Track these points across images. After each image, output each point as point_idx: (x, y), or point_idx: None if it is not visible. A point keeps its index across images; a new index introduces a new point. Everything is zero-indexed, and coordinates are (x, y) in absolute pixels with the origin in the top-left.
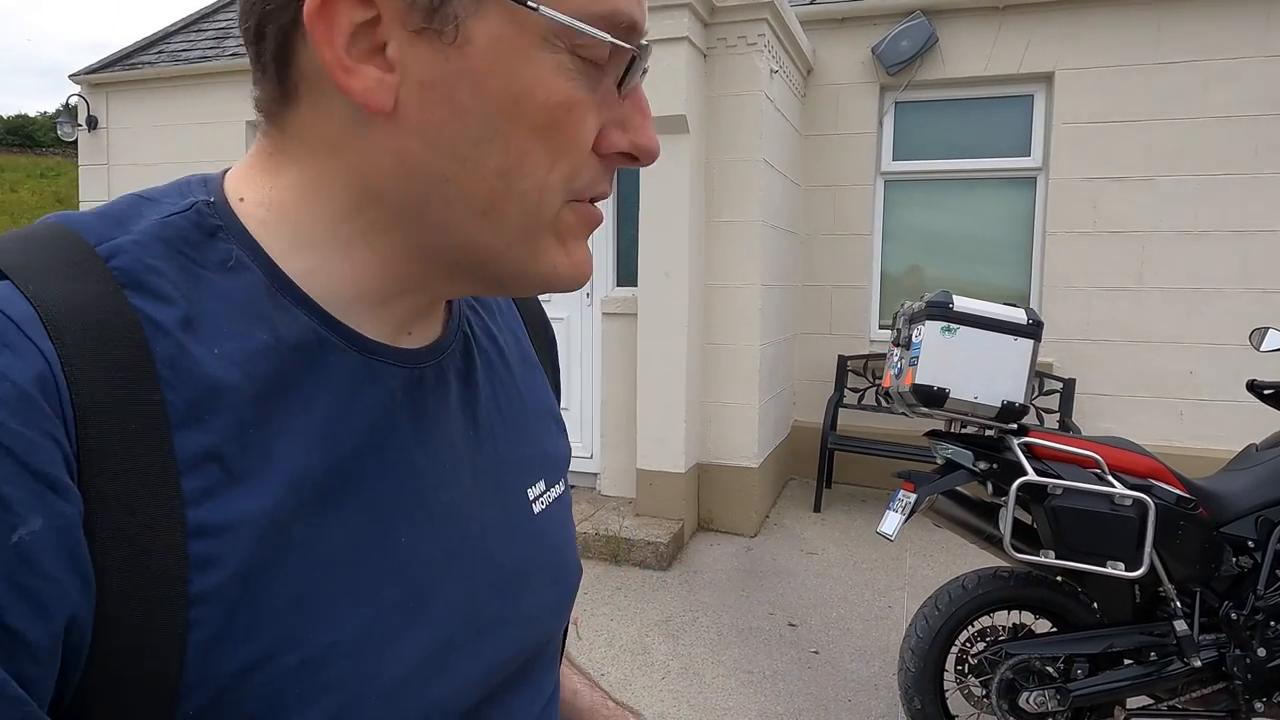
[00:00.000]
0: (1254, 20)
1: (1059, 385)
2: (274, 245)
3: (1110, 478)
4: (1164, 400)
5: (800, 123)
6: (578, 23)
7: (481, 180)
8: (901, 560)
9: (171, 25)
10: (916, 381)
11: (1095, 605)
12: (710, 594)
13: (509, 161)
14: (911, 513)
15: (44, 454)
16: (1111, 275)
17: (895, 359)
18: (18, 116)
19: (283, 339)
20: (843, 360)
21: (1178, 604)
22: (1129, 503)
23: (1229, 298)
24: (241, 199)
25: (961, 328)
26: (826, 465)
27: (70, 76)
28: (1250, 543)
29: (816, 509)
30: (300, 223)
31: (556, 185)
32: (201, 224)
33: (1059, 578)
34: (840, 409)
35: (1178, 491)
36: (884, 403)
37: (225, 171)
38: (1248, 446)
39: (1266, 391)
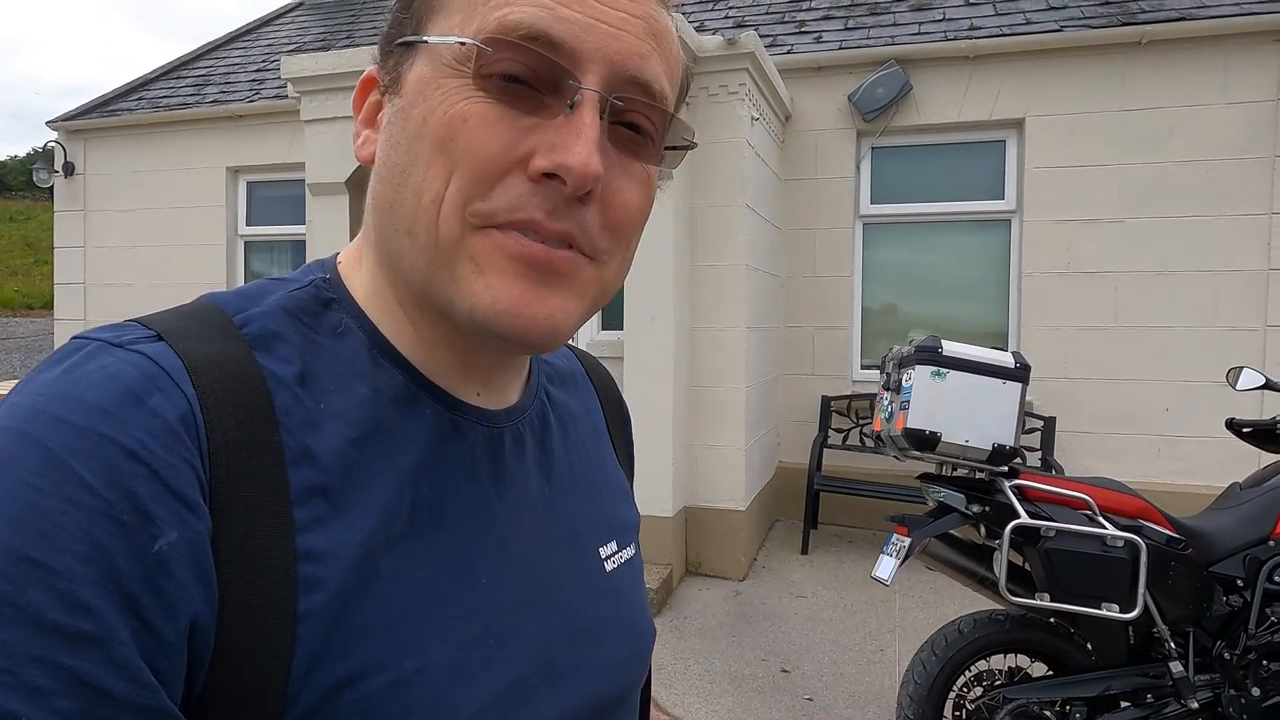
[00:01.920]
0: (1214, 69)
1: (1040, 424)
2: (374, 312)
3: (1101, 519)
4: (1142, 437)
5: (780, 167)
6: (442, 37)
7: (405, 200)
8: (891, 602)
9: (152, 72)
10: (908, 426)
11: (1089, 647)
12: (701, 641)
13: (419, 178)
14: (906, 557)
15: (183, 478)
16: (1087, 315)
17: (885, 403)
18: None
19: (380, 393)
20: (826, 401)
21: (1172, 645)
22: (1121, 544)
23: (1201, 335)
24: (353, 274)
25: (951, 372)
26: (813, 506)
27: (48, 123)
28: (1239, 581)
29: (804, 551)
30: (376, 289)
31: (455, 199)
32: (318, 297)
33: (1052, 619)
34: (825, 450)
35: (1167, 532)
36: (874, 445)
37: (338, 254)
38: (1231, 485)
39: (1245, 430)
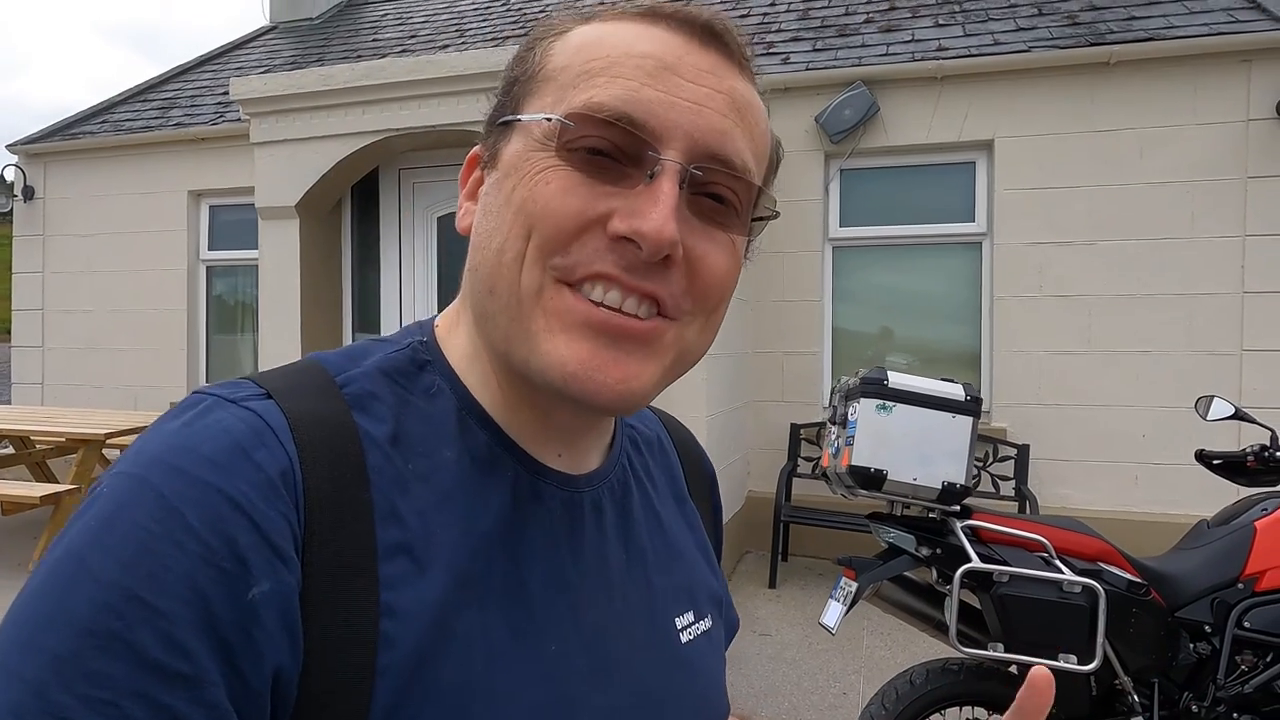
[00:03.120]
0: (1183, 90)
1: (1013, 452)
2: (468, 375)
3: (1058, 562)
4: (1118, 465)
5: None
6: (533, 115)
7: (489, 260)
8: (858, 641)
9: (117, 95)
10: (853, 463)
11: (1055, 700)
12: None
13: (503, 240)
14: (854, 602)
15: (279, 531)
16: (1060, 338)
17: (833, 437)
18: None
19: (464, 455)
20: (795, 429)
21: (1135, 697)
22: (1078, 589)
23: (1176, 360)
24: (450, 336)
25: (898, 405)
26: (782, 538)
27: (8, 146)
28: (1207, 627)
29: (771, 585)
30: (470, 351)
31: (535, 255)
32: (414, 359)
33: (1013, 669)
34: (794, 479)
35: (1129, 576)
36: (824, 481)
37: (437, 316)
38: (1199, 523)
39: (1216, 462)
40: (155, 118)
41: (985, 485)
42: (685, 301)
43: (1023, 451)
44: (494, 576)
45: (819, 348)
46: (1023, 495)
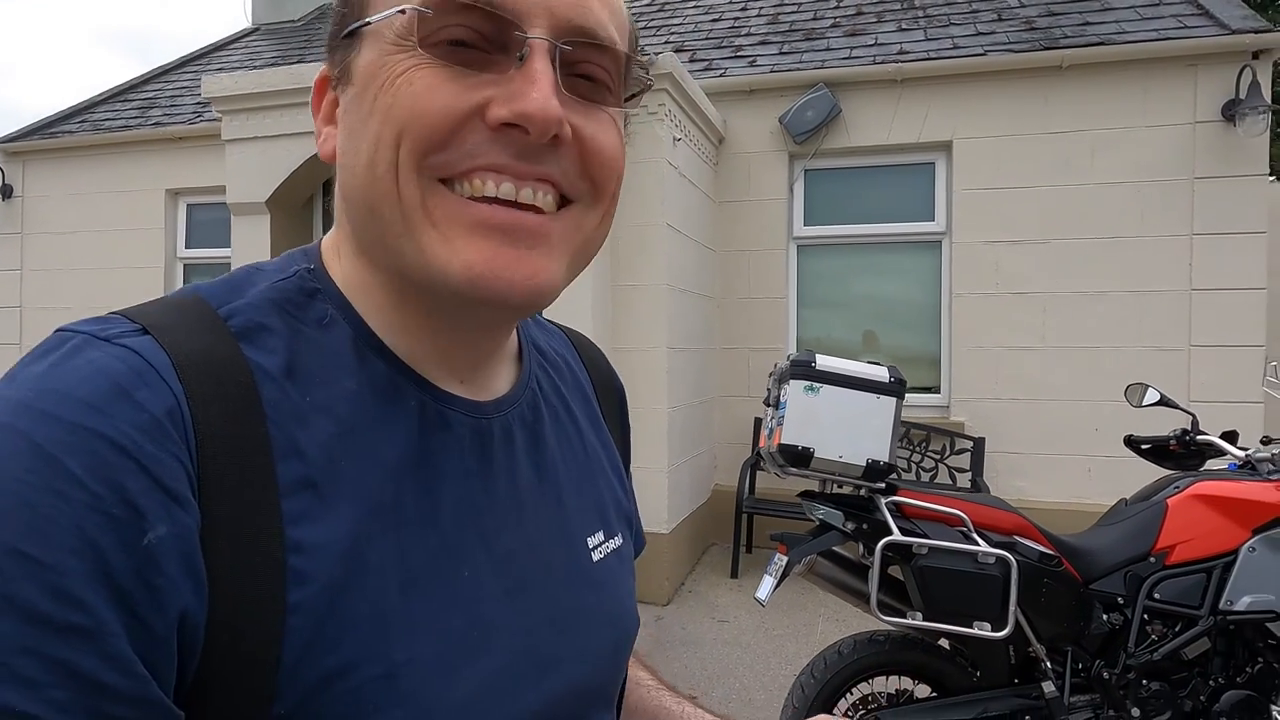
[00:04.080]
0: (1133, 92)
1: (969, 445)
2: (358, 302)
3: (975, 536)
4: (1072, 458)
5: (713, 190)
6: (382, 13)
7: (363, 178)
8: (813, 626)
9: (98, 95)
10: (783, 441)
11: (977, 669)
12: None
13: (371, 153)
14: (783, 576)
15: (171, 472)
16: (1016, 335)
17: (768, 419)
18: None
19: (365, 386)
20: (758, 422)
21: (1047, 664)
22: (992, 561)
23: (1127, 355)
24: (334, 264)
25: (824, 386)
26: (745, 529)
27: None
28: (1120, 599)
29: (734, 574)
30: (358, 280)
31: (409, 159)
32: (303, 287)
33: (941, 640)
34: (759, 471)
35: (1041, 548)
36: (762, 463)
37: (320, 243)
38: (1119, 501)
39: (1144, 446)
40: (135, 117)
41: (942, 477)
42: (581, 183)
43: (979, 444)
44: (405, 505)
45: (783, 344)
46: (978, 487)
